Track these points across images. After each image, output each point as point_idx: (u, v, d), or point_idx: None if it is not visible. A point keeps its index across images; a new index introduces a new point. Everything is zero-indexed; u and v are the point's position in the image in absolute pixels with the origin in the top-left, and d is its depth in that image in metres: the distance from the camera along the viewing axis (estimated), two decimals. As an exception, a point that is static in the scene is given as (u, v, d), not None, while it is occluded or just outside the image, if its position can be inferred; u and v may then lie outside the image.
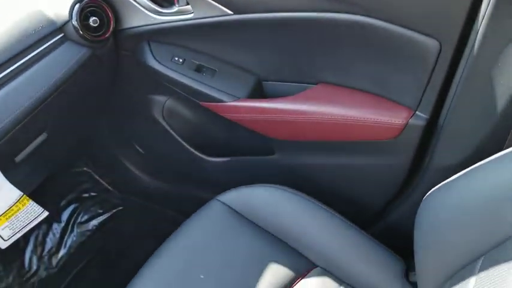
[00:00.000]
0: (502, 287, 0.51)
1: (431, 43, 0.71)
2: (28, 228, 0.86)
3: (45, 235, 1.34)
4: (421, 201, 0.73)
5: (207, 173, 1.18)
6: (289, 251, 0.88)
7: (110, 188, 1.44)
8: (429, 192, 0.70)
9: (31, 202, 0.85)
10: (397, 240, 0.87)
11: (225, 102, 0.96)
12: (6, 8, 0.87)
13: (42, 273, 1.28)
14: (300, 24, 0.82)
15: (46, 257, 1.31)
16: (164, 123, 1.15)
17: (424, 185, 0.81)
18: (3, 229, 0.83)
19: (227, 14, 0.85)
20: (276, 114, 0.90)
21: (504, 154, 0.62)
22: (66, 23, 0.87)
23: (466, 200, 0.63)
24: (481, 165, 0.63)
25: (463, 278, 0.59)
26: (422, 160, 0.82)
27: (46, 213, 0.87)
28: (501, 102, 0.70)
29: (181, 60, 0.98)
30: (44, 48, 0.85)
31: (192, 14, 0.89)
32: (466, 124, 0.73)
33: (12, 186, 0.82)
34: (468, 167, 0.66)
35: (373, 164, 0.87)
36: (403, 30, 0.73)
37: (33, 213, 0.86)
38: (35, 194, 0.90)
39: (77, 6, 0.86)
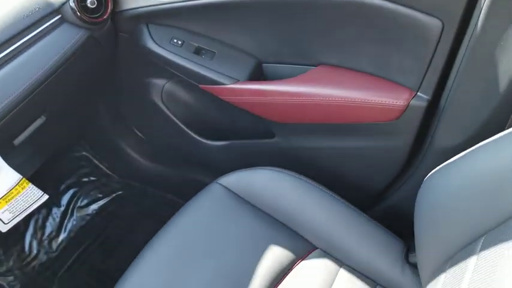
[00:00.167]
0: (502, 265, 0.51)
1: (434, 23, 0.71)
2: (28, 211, 0.86)
3: (45, 219, 1.34)
4: (422, 182, 0.73)
5: (207, 156, 1.17)
6: (289, 233, 0.89)
7: (109, 172, 1.44)
8: (430, 173, 0.70)
9: (30, 185, 0.85)
10: (397, 222, 0.87)
11: (224, 84, 0.95)
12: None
13: (43, 257, 1.29)
14: (300, 5, 0.81)
15: (46, 241, 1.31)
16: (163, 107, 1.14)
17: (425, 166, 0.81)
18: (3, 212, 0.82)
19: (226, -5, 0.84)
20: (276, 96, 0.90)
21: (505, 135, 0.62)
22: (63, 4, 0.86)
23: (466, 181, 0.63)
24: (482, 145, 0.63)
25: (463, 257, 0.60)
26: (423, 142, 0.82)
27: (46, 197, 0.87)
28: (503, 83, 0.69)
29: (180, 43, 0.97)
30: (41, 30, 0.84)
31: (191, -5, 0.88)
32: (468, 105, 0.73)
33: (11, 169, 0.82)
34: (469, 148, 0.65)
35: (373, 146, 0.87)
36: (405, 9, 0.72)
37: (33, 196, 0.85)
38: (35, 178, 0.90)
39: (74, -13, 0.85)
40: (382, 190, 0.95)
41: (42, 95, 0.86)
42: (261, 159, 1.02)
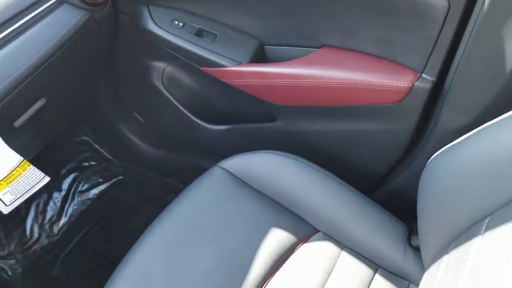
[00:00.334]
0: (508, 244, 0.51)
1: (440, 2, 0.70)
2: (30, 193, 0.86)
3: (46, 204, 1.34)
4: (425, 165, 0.72)
5: (208, 141, 1.17)
6: (291, 216, 0.89)
7: (109, 157, 1.44)
8: (433, 155, 0.69)
9: (32, 167, 0.84)
10: (399, 205, 0.87)
11: (226, 67, 0.94)
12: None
13: (44, 241, 1.29)
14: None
15: (47, 225, 1.31)
16: (164, 91, 1.13)
17: (429, 149, 0.80)
18: (4, 194, 0.82)
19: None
20: (279, 78, 0.89)
21: (510, 116, 0.61)
22: (63, -16, 0.85)
23: (471, 162, 0.62)
24: (487, 126, 0.62)
25: (468, 238, 0.59)
26: (427, 124, 0.81)
27: (48, 179, 0.87)
28: (509, 64, 0.68)
29: (181, 24, 0.96)
30: (41, 11, 0.83)
31: (192, -25, 0.87)
32: (473, 86, 0.72)
33: (12, 150, 0.81)
34: (473, 129, 0.65)
35: (377, 129, 0.86)
36: (411, -11, 0.71)
37: (35, 178, 0.85)
38: (35, 163, 0.89)
39: (74, -34, 0.84)
40: (384, 173, 0.95)
41: (42, 77, 0.85)
42: (263, 143, 1.02)
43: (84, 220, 1.33)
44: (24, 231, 1.29)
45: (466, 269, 0.55)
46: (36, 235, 1.29)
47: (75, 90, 1.11)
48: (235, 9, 0.92)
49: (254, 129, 1.07)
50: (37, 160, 1.05)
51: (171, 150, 1.33)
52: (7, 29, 0.80)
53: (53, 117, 1.07)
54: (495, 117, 0.62)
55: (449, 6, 0.70)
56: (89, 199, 1.37)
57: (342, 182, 0.89)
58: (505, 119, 0.61)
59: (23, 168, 0.83)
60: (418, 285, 0.77)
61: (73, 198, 1.36)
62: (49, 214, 1.33)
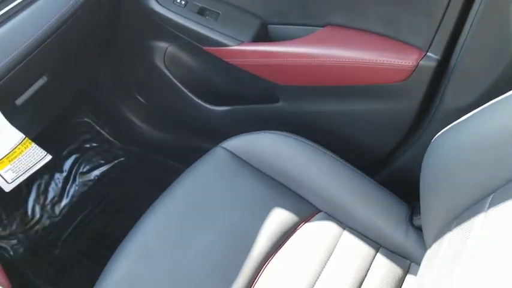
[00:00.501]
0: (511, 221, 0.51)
1: (446, -21, 0.69)
2: (31, 171, 0.85)
3: (48, 184, 1.34)
4: (429, 145, 0.72)
5: (210, 122, 1.16)
6: (293, 196, 0.89)
7: (110, 138, 1.43)
8: (438, 133, 0.69)
9: (33, 145, 0.84)
10: (402, 186, 0.87)
11: (229, 46, 0.93)
12: None
13: (46, 222, 1.29)
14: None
15: (49, 206, 1.31)
16: (166, 71, 1.12)
17: (433, 128, 0.80)
18: (6, 172, 0.82)
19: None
20: (282, 58, 0.88)
21: None
22: (64, -40, 0.84)
23: (476, 139, 0.62)
24: (491, 104, 0.62)
25: (471, 216, 0.59)
26: (431, 103, 0.81)
27: (49, 157, 0.86)
28: (515, 42, 0.68)
29: (183, 3, 0.95)
30: (41, -12, 0.83)
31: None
32: (478, 64, 0.72)
33: (13, 128, 0.81)
34: (478, 108, 0.65)
35: (381, 109, 0.86)
36: (417, -35, 0.70)
37: (36, 156, 0.85)
38: (36, 144, 0.89)
39: None
40: (388, 154, 0.94)
41: (43, 55, 0.85)
42: (265, 125, 1.01)
43: (85, 201, 1.33)
44: (26, 211, 1.30)
45: (468, 246, 0.55)
46: (37, 216, 1.30)
47: (76, 69, 1.10)
48: (238, -14, 0.91)
49: (256, 110, 1.06)
50: (38, 141, 1.05)
51: (173, 131, 1.33)
52: (8, 5, 0.79)
53: (54, 96, 1.06)
54: (500, 95, 0.62)
55: (456, -17, 0.69)
56: (90, 180, 1.37)
57: (344, 162, 0.88)
58: (509, 96, 0.61)
59: (25, 146, 0.83)
60: (419, 265, 0.78)
61: (74, 180, 1.36)
62: (50, 195, 1.33)
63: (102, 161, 1.40)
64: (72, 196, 1.34)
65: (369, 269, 0.80)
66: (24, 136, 0.83)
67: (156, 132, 1.36)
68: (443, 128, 0.69)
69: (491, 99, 0.63)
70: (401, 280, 0.79)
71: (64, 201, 1.33)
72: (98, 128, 1.43)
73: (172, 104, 1.21)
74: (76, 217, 1.30)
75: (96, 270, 0.83)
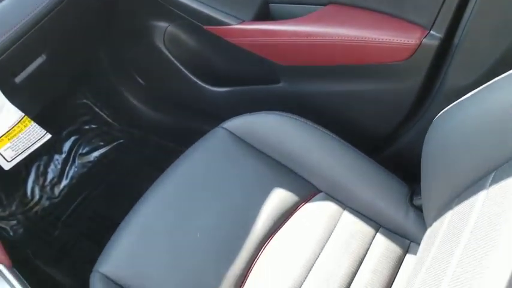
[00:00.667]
0: (513, 197, 0.51)
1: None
2: (31, 150, 0.85)
3: (47, 165, 1.34)
4: (430, 124, 0.72)
5: (210, 103, 1.16)
6: (293, 177, 0.89)
7: (110, 120, 1.43)
8: (440, 113, 0.69)
9: (33, 123, 0.84)
10: (403, 167, 0.87)
11: (229, 25, 0.92)
12: None
13: (45, 203, 1.29)
14: None
15: (48, 187, 1.31)
16: (165, 51, 1.12)
17: (434, 108, 0.79)
18: (5, 150, 0.82)
19: None
20: (284, 36, 0.87)
21: None
22: None
23: (477, 118, 0.62)
24: (494, 82, 0.61)
25: (472, 193, 0.59)
26: (434, 82, 0.80)
27: (49, 136, 0.86)
28: (519, 20, 0.67)
29: (184, -19, 0.94)
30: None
31: None
32: (482, 42, 0.71)
33: (13, 106, 0.80)
34: (481, 87, 0.64)
35: (382, 89, 0.85)
36: None
37: (36, 134, 0.84)
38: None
39: None
40: (389, 134, 0.94)
41: (42, 33, 0.84)
42: (266, 106, 1.00)
43: (85, 182, 1.33)
44: (25, 192, 1.30)
45: (469, 224, 0.56)
46: (37, 197, 1.30)
47: (75, 48, 1.09)
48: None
49: (257, 91, 1.06)
50: (37, 122, 1.05)
51: (172, 113, 1.32)
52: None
53: (53, 76, 1.05)
54: (502, 74, 0.61)
55: (460, -40, 0.68)
56: (89, 162, 1.37)
57: (345, 142, 0.88)
58: (511, 74, 0.60)
59: (24, 124, 0.83)
60: (419, 244, 0.78)
61: (74, 161, 1.36)
62: (50, 176, 1.33)
63: (102, 143, 1.40)
64: (72, 177, 1.34)
65: (368, 248, 0.80)
66: (24, 114, 0.82)
67: (156, 114, 1.35)
68: (445, 107, 0.69)
69: (493, 78, 0.62)
70: (401, 259, 0.80)
71: (63, 183, 1.33)
72: (96, 109, 1.42)
73: (172, 85, 1.20)
74: (75, 198, 1.30)
75: (95, 251, 0.84)
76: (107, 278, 0.78)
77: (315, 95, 0.96)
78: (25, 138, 0.83)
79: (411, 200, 0.83)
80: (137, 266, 0.79)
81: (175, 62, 1.12)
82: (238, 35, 0.92)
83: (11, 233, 1.24)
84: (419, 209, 0.82)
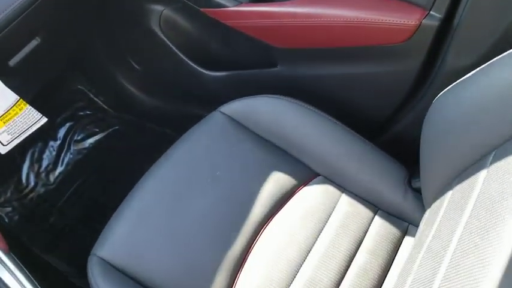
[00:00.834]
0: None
1: None
2: (27, 134, 0.84)
3: (42, 152, 1.33)
4: (430, 107, 0.71)
5: (207, 88, 1.15)
6: (291, 160, 0.88)
7: (105, 106, 1.42)
8: (439, 94, 0.68)
9: (28, 107, 0.83)
10: (402, 149, 0.87)
11: (226, 7, 0.91)
12: None
13: (40, 189, 1.28)
14: None
15: (43, 174, 1.30)
16: (161, 35, 1.10)
17: (434, 90, 0.79)
18: (1, 134, 0.81)
19: None
20: (282, 19, 0.86)
21: None
22: None
23: (477, 98, 0.62)
24: (492, 62, 0.61)
25: (472, 173, 0.59)
26: (433, 64, 0.80)
27: (45, 119, 0.85)
28: (520, -1, 0.67)
29: (180, -38, 0.93)
30: None
31: None
32: (482, 22, 0.70)
33: (7, 89, 0.79)
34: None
35: (381, 71, 0.85)
36: None
37: (32, 118, 0.83)
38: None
39: None
40: (388, 117, 0.94)
41: (36, 15, 0.83)
42: (263, 90, 1.00)
43: (80, 169, 1.32)
44: (20, 179, 1.29)
45: (470, 202, 0.56)
46: (32, 183, 1.29)
47: (70, 32, 1.08)
48: None
49: (255, 75, 1.05)
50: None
51: (168, 98, 1.31)
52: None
53: (48, 59, 1.04)
54: (504, 52, 0.61)
55: None
56: (84, 148, 1.36)
57: (343, 125, 0.88)
58: (511, 53, 0.60)
59: (20, 107, 0.82)
60: (417, 226, 0.78)
61: (69, 147, 1.35)
62: (45, 163, 1.32)
63: (97, 129, 1.39)
64: (67, 164, 1.33)
65: (367, 230, 0.80)
66: (19, 97, 0.81)
67: (151, 100, 1.34)
68: (445, 89, 0.69)
69: (494, 58, 0.62)
70: (399, 241, 0.80)
71: (59, 169, 1.32)
72: (91, 95, 1.41)
73: (168, 70, 1.19)
74: (71, 185, 1.29)
75: (92, 237, 0.83)
76: (104, 262, 0.77)
77: (313, 79, 0.96)
78: (21, 121, 0.82)
79: (409, 182, 0.84)
80: (135, 249, 0.78)
81: (171, 46, 1.11)
82: (235, 17, 0.91)
83: (6, 220, 1.23)
84: (417, 192, 0.82)
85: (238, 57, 1.07)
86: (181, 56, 1.12)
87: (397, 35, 0.76)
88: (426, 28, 0.74)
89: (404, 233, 0.81)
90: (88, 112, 1.40)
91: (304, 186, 0.86)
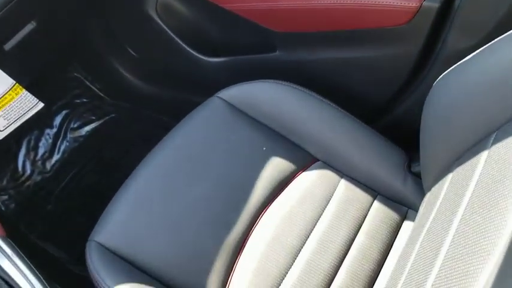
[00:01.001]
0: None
1: None
2: (24, 119, 0.83)
3: (38, 140, 1.31)
4: (430, 90, 0.71)
5: (205, 74, 1.14)
6: (290, 145, 0.88)
7: (101, 94, 1.40)
8: (440, 76, 0.68)
9: (25, 91, 0.81)
10: (401, 134, 0.86)
11: (225, -10, 0.90)
12: None
13: (37, 178, 1.27)
14: None
15: (40, 162, 1.29)
16: (158, 20, 1.09)
17: (434, 73, 0.79)
18: (-3, 118, 0.80)
19: None
20: (282, 1, 0.86)
21: None
22: None
23: (478, 79, 0.61)
24: (495, 42, 0.61)
25: (473, 154, 0.59)
26: (434, 47, 0.79)
27: (41, 105, 0.84)
28: (521, -19, 0.66)
29: None
30: None
31: None
32: (484, 3, 0.70)
33: (3, 73, 0.78)
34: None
35: (381, 55, 0.84)
36: None
37: (28, 103, 0.82)
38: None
39: None
40: (388, 101, 0.93)
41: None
42: (262, 76, 0.99)
43: (77, 157, 1.31)
44: (16, 167, 1.28)
45: (472, 183, 0.55)
46: (28, 171, 1.28)
47: (66, 16, 1.06)
48: None
49: (253, 60, 1.04)
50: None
51: (166, 85, 1.30)
52: None
53: (44, 43, 1.03)
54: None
55: None
56: (81, 136, 1.35)
57: (342, 110, 0.87)
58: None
59: (16, 92, 0.81)
60: (416, 211, 0.78)
61: (65, 135, 1.34)
62: (41, 150, 1.31)
63: (93, 117, 1.38)
64: (64, 152, 1.32)
65: (366, 215, 0.80)
66: (15, 82, 0.80)
67: (148, 87, 1.33)
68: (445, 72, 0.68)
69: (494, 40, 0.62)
70: (399, 226, 0.80)
71: (55, 157, 1.31)
72: (88, 83, 1.40)
73: (166, 56, 1.17)
74: (68, 173, 1.28)
75: (89, 224, 0.82)
76: (103, 247, 0.77)
77: (313, 63, 0.95)
78: (17, 106, 0.81)
79: (409, 167, 0.83)
80: (133, 234, 0.78)
81: (169, 31, 1.10)
82: (234, 0, 0.90)
83: (3, 208, 1.22)
84: (417, 176, 0.82)
85: (237, 42, 1.06)
86: (179, 41, 1.11)
87: (398, 17, 0.75)
88: (427, 10, 0.73)
89: (404, 217, 0.81)
90: (84, 100, 1.39)
91: (303, 171, 0.85)
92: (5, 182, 1.25)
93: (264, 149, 0.84)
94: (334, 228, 0.78)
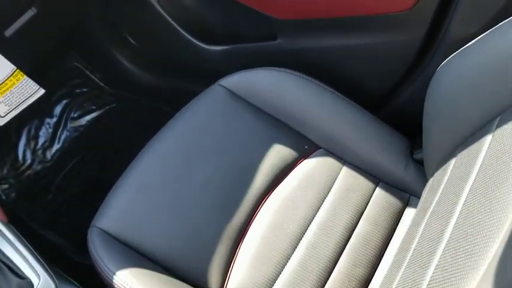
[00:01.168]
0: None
1: None
2: (25, 105, 0.83)
3: (38, 129, 1.31)
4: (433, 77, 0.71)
5: (206, 63, 1.13)
6: (292, 133, 0.88)
7: (101, 84, 1.40)
8: (444, 62, 0.68)
9: (25, 77, 0.81)
10: (404, 121, 0.86)
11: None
12: None
13: (37, 167, 1.27)
14: None
15: (40, 151, 1.29)
16: (158, 8, 1.08)
17: (437, 59, 0.78)
18: (-2, 105, 0.79)
19: None
20: (283, -13, 0.85)
21: None
22: None
23: (482, 64, 0.61)
24: (497, 27, 0.61)
25: (477, 139, 0.59)
26: (437, 33, 0.79)
27: (42, 91, 0.84)
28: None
29: None
30: None
31: None
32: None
33: (3, 58, 0.78)
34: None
35: (383, 42, 0.84)
36: None
37: (29, 89, 0.82)
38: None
39: None
40: (390, 88, 0.93)
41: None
42: (263, 64, 0.98)
43: (77, 146, 1.31)
44: (17, 156, 1.27)
45: (476, 165, 0.55)
46: (29, 161, 1.27)
47: (66, 3, 1.05)
48: None
49: (254, 48, 1.03)
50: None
51: (166, 74, 1.29)
52: None
53: (44, 30, 1.02)
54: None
55: None
56: (81, 126, 1.35)
57: (344, 98, 0.87)
58: None
59: (17, 78, 0.80)
60: (418, 198, 0.78)
61: (65, 125, 1.33)
62: (41, 140, 1.30)
63: (93, 107, 1.37)
64: (64, 141, 1.31)
65: (368, 202, 0.80)
66: (16, 67, 0.80)
67: (148, 76, 1.32)
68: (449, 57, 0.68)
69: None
70: (401, 212, 0.80)
71: (55, 147, 1.30)
72: (88, 72, 1.39)
73: (166, 45, 1.17)
74: (68, 162, 1.28)
75: (90, 213, 0.82)
76: (105, 233, 0.77)
77: (314, 51, 0.95)
78: (18, 92, 0.81)
79: (411, 154, 0.83)
80: (135, 220, 0.78)
81: (169, 19, 1.09)
82: (235, -13, 0.90)
83: (3, 197, 1.22)
84: (419, 163, 0.82)
85: (238, 31, 1.05)
86: (179, 29, 1.10)
87: (399, 3, 0.75)
88: (431, -6, 0.73)
89: (406, 204, 0.81)
90: (84, 89, 1.38)
91: (306, 158, 0.85)
92: (5, 171, 1.25)
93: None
94: (336, 215, 0.78)
